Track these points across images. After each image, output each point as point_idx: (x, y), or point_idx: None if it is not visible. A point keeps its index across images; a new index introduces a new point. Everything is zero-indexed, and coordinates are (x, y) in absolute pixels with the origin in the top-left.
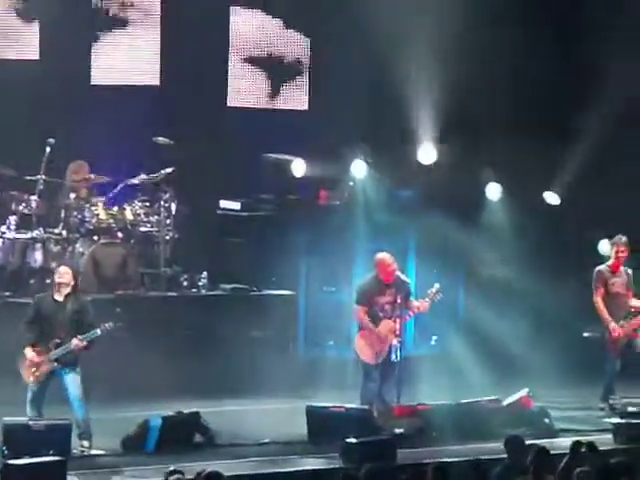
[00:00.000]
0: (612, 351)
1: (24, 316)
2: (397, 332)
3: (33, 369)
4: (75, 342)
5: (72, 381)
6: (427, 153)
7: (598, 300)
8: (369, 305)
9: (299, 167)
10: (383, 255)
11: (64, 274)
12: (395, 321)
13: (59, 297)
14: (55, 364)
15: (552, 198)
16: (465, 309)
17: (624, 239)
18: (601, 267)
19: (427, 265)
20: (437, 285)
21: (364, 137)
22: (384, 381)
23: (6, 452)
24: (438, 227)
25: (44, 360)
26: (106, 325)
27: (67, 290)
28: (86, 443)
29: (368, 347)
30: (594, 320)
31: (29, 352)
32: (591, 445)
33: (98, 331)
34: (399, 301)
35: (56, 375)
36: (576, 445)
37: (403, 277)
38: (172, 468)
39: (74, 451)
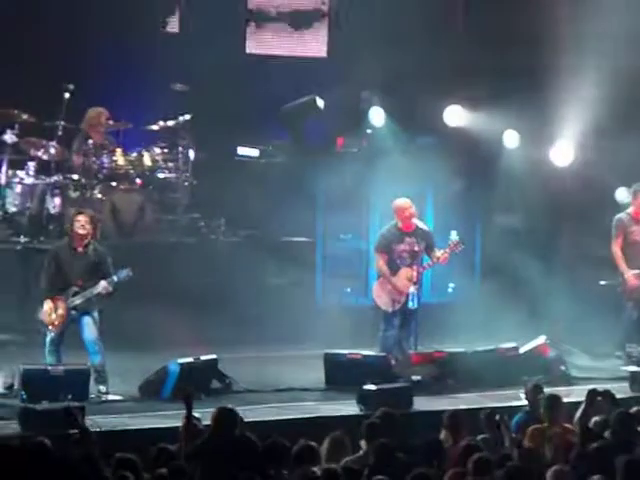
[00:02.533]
0: (629, 300)
1: (42, 265)
2: (415, 280)
3: (52, 316)
4: (103, 285)
5: (89, 326)
6: (453, 114)
7: (616, 249)
8: (388, 252)
9: (320, 102)
10: (400, 200)
11: (85, 224)
12: (413, 269)
13: (79, 247)
14: (73, 312)
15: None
16: (482, 257)
17: None
18: (621, 215)
19: (445, 212)
20: (457, 236)
21: (383, 85)
22: (401, 328)
23: (25, 397)
24: (456, 174)
25: (63, 307)
26: (127, 271)
27: (86, 240)
28: (103, 388)
29: (386, 294)
30: (612, 268)
31: (48, 301)
32: (608, 393)
33: (124, 273)
34: (418, 249)
35: (74, 321)
36: (593, 393)
37: (423, 226)
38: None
39: (92, 396)
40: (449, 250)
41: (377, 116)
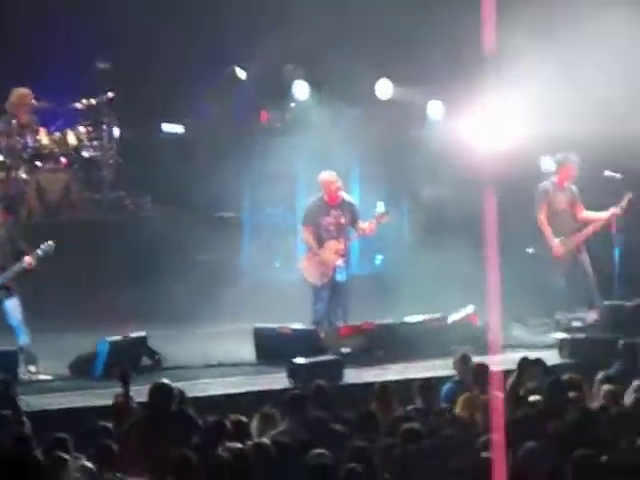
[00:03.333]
0: (557, 267)
1: None
2: (342, 253)
3: None
4: (28, 260)
5: (14, 307)
6: (383, 88)
7: (541, 218)
8: (314, 226)
9: (241, 72)
10: (326, 174)
11: None
12: (340, 242)
13: None
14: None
15: None
16: (408, 228)
17: (575, 159)
18: (545, 183)
19: (371, 185)
20: (383, 208)
21: (308, 57)
22: (330, 302)
23: None
24: (381, 147)
25: None
26: (48, 243)
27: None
28: (32, 368)
29: (313, 268)
30: (538, 237)
31: None
32: (539, 362)
33: (47, 246)
34: (344, 222)
35: None
36: (524, 362)
37: (349, 198)
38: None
39: (22, 377)
40: (375, 221)
41: (301, 89)
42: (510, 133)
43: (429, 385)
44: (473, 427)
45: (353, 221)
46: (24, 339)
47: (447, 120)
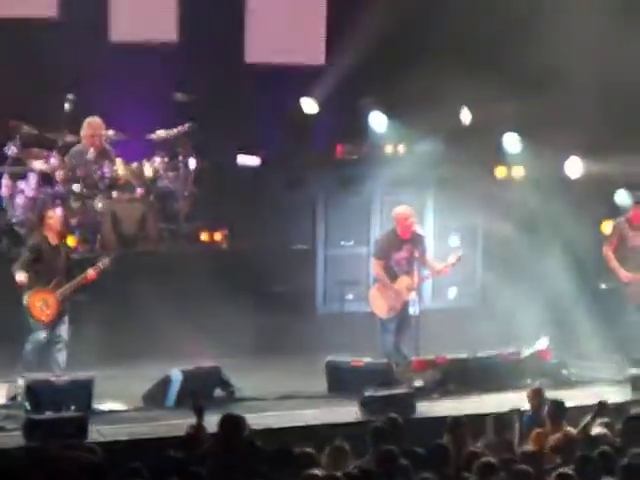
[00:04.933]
0: (630, 301)
1: (19, 261)
2: (413, 288)
3: (44, 308)
4: (90, 272)
5: (66, 324)
6: (464, 116)
7: (607, 251)
8: (386, 259)
9: (310, 105)
10: (401, 208)
11: (60, 220)
12: (411, 277)
13: (54, 241)
14: (65, 303)
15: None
16: (482, 264)
17: None
18: (619, 219)
19: (445, 218)
20: (458, 241)
21: (383, 91)
22: (400, 334)
23: (29, 408)
24: (457, 180)
25: (53, 299)
26: (105, 259)
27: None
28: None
29: (382, 301)
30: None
31: (36, 295)
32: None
33: (106, 259)
34: (416, 256)
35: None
36: (602, 405)
37: (420, 231)
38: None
39: (95, 407)
40: (450, 265)
41: (378, 121)
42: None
43: (502, 419)
44: (545, 462)
45: (422, 255)
46: (65, 358)
47: (525, 154)
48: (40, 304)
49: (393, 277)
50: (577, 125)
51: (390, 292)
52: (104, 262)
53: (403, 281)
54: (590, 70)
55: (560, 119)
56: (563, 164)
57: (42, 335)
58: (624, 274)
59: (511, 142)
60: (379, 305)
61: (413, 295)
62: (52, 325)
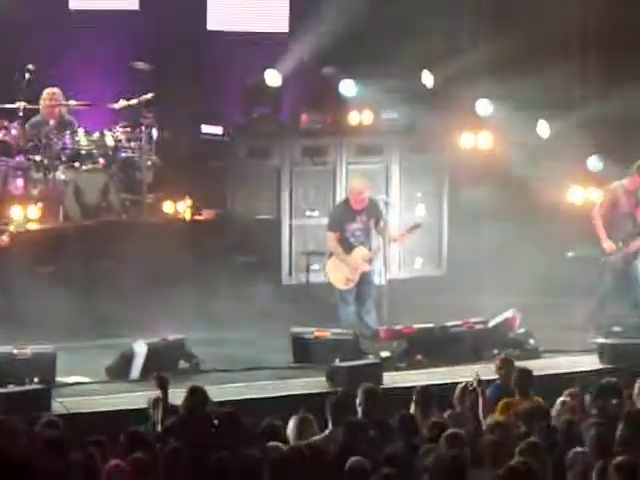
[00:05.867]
0: (607, 271)
1: None
2: (369, 259)
3: None
4: (3, 239)
5: None
6: (428, 78)
7: (596, 216)
8: (340, 231)
9: (273, 77)
10: (357, 183)
11: None
12: (368, 248)
13: None
14: None
15: (543, 129)
16: (448, 231)
17: None
18: (616, 184)
19: (411, 186)
20: (423, 211)
21: (351, 58)
22: (361, 304)
23: None
24: (421, 147)
25: None
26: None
27: None
28: None
29: (338, 272)
30: (577, 241)
31: None
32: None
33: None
34: (371, 226)
35: None
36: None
37: (374, 200)
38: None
39: (58, 379)
40: (407, 233)
41: (347, 88)
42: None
43: (469, 390)
44: (513, 432)
45: (377, 222)
46: None
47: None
48: None
49: (349, 249)
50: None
51: (345, 264)
52: (15, 227)
53: (359, 252)
54: None
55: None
56: (534, 127)
57: None
58: (609, 245)
59: (483, 107)
60: (336, 277)
61: (372, 266)
62: None
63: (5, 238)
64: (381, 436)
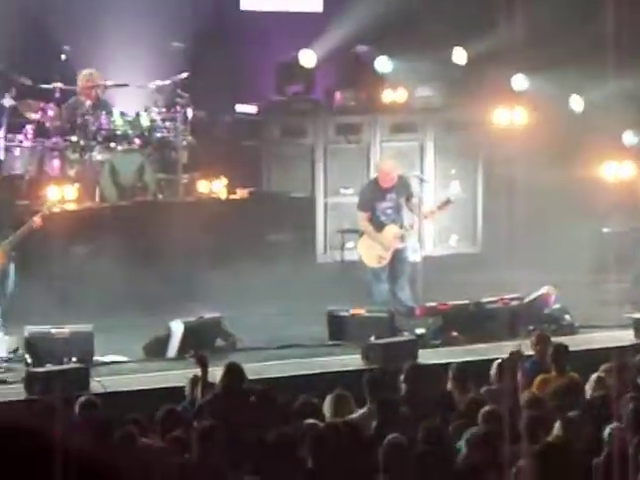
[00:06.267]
0: None
1: None
2: (401, 236)
3: None
4: (36, 220)
5: (10, 273)
6: (460, 55)
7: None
8: (371, 210)
9: (308, 58)
10: (384, 165)
11: None
12: (400, 225)
13: None
14: (12, 254)
15: (577, 103)
16: (483, 208)
17: None
18: None
19: (445, 164)
20: (449, 197)
21: (385, 36)
22: (394, 282)
23: (29, 361)
24: (456, 124)
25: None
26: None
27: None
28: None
29: (370, 251)
30: (613, 217)
31: None
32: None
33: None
34: (401, 203)
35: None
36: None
37: (404, 177)
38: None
39: (96, 358)
40: (437, 210)
41: (384, 64)
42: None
43: (506, 366)
44: (550, 408)
45: (408, 199)
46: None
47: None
48: None
49: (381, 227)
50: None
51: (377, 242)
52: (48, 208)
53: (390, 230)
54: None
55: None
56: (568, 101)
57: None
58: None
59: (518, 82)
60: (368, 256)
61: (404, 243)
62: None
63: (37, 219)
64: (417, 413)
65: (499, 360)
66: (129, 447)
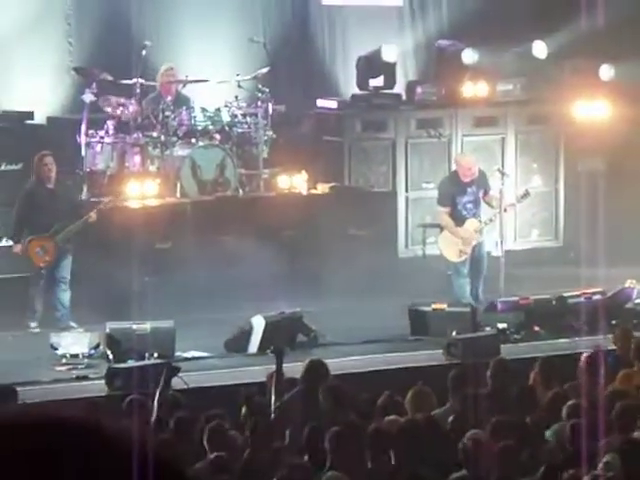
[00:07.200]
0: None
1: (14, 209)
2: (481, 230)
3: (42, 254)
4: (92, 215)
5: (68, 263)
6: (540, 48)
7: None
8: (452, 205)
9: (389, 52)
10: (464, 160)
11: (52, 164)
12: (479, 219)
13: (50, 185)
14: (66, 246)
15: None
16: (565, 201)
17: None
18: None
19: (527, 158)
20: (527, 189)
21: (466, 31)
22: (474, 276)
23: (110, 357)
24: (537, 118)
25: (51, 244)
26: (107, 201)
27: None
28: (74, 324)
29: (452, 246)
30: None
31: (34, 239)
32: None
33: (108, 202)
34: (481, 197)
35: (60, 256)
36: None
37: (482, 171)
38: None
39: (177, 353)
40: (517, 202)
41: (469, 55)
42: None
43: (588, 360)
44: (633, 402)
45: (486, 193)
46: (68, 296)
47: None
48: (38, 250)
49: (461, 221)
50: None
51: (458, 236)
52: (105, 203)
53: (471, 224)
54: None
55: None
56: None
57: (42, 280)
58: None
59: (604, 73)
60: (449, 250)
61: (482, 236)
62: (53, 267)
63: (93, 214)
64: (500, 408)
65: (583, 355)
66: (219, 441)
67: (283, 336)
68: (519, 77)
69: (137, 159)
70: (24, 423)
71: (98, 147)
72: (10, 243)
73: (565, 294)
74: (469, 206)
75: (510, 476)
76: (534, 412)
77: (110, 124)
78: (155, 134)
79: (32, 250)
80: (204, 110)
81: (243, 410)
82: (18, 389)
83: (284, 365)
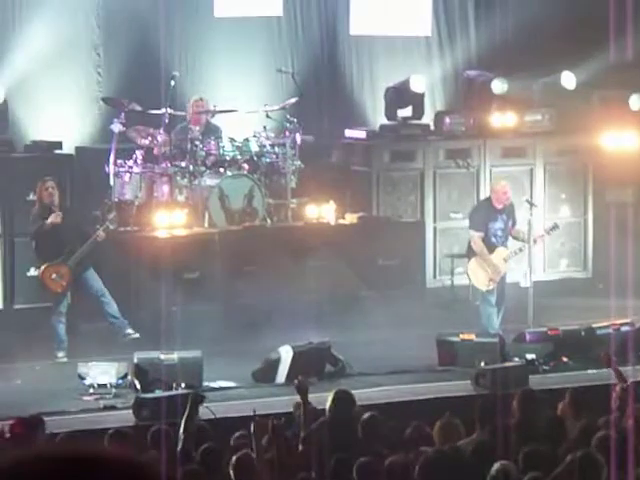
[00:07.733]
0: None
1: (32, 236)
2: (508, 259)
3: (59, 279)
4: (100, 234)
5: (94, 277)
6: (569, 79)
7: None
8: (485, 231)
9: (418, 83)
10: (499, 184)
11: (54, 188)
12: (508, 248)
13: (56, 209)
14: (79, 268)
15: None
16: (594, 232)
17: None
18: None
19: (555, 188)
20: (556, 222)
21: (494, 61)
22: (499, 305)
23: (138, 387)
24: (566, 148)
25: (65, 269)
26: (112, 220)
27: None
28: (131, 330)
29: (482, 273)
30: None
31: (49, 269)
32: None
33: (112, 215)
34: (510, 226)
35: (79, 279)
36: None
37: (511, 202)
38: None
39: (205, 383)
40: (546, 234)
41: (500, 86)
42: None
43: (620, 392)
44: None
45: (513, 225)
46: (114, 305)
47: None
48: (55, 276)
49: (491, 249)
50: None
51: (488, 264)
52: (111, 220)
53: (501, 253)
54: None
55: None
56: None
57: (62, 305)
58: None
59: (635, 102)
60: (478, 278)
61: (523, 267)
62: (79, 287)
63: (101, 233)
64: (528, 439)
65: (616, 386)
66: (246, 471)
67: (311, 366)
68: (547, 107)
69: (165, 189)
70: (61, 456)
71: (126, 177)
72: (37, 272)
73: (594, 325)
74: (499, 233)
75: None
76: (563, 443)
77: (139, 154)
78: (183, 164)
79: (48, 277)
80: (232, 140)
81: (269, 440)
82: (45, 419)
83: (311, 395)
